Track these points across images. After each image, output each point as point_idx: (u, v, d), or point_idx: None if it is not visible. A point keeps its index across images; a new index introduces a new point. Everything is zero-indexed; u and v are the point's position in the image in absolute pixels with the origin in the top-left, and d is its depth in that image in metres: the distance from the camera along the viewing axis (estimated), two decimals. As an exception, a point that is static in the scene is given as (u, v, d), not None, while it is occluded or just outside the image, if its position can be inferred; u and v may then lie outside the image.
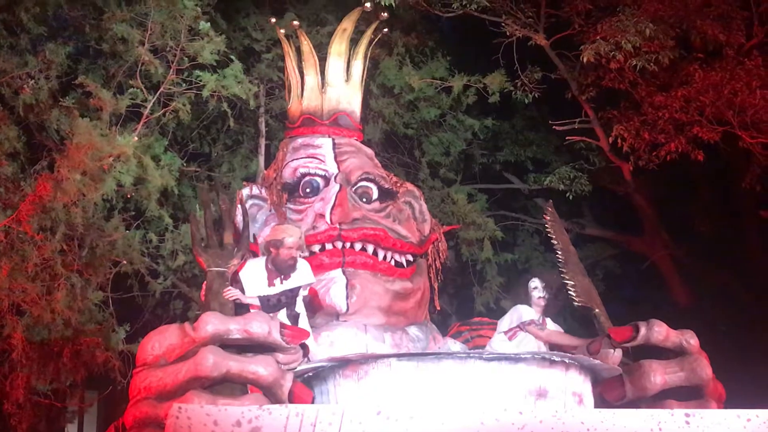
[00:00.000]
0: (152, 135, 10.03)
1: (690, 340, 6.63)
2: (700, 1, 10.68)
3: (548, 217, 8.56)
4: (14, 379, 8.80)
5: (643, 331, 6.59)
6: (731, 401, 6.61)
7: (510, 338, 7.47)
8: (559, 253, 8.16)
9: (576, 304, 7.83)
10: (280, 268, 6.78)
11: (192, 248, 7.53)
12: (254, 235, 8.04)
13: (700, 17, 10.66)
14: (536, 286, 7.65)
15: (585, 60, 10.94)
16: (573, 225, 14.92)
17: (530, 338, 7.46)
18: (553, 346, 7.33)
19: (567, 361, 6.10)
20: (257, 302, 6.67)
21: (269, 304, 6.67)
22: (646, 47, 10.56)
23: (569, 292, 7.88)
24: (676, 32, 10.75)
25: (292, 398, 5.71)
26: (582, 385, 6.24)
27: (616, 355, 6.78)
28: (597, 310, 7.66)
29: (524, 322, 7.45)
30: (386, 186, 8.63)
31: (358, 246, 8.01)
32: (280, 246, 6.73)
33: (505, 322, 7.60)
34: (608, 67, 11.02)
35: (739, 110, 10.52)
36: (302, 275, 6.91)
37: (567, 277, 7.82)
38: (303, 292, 7.05)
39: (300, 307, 6.95)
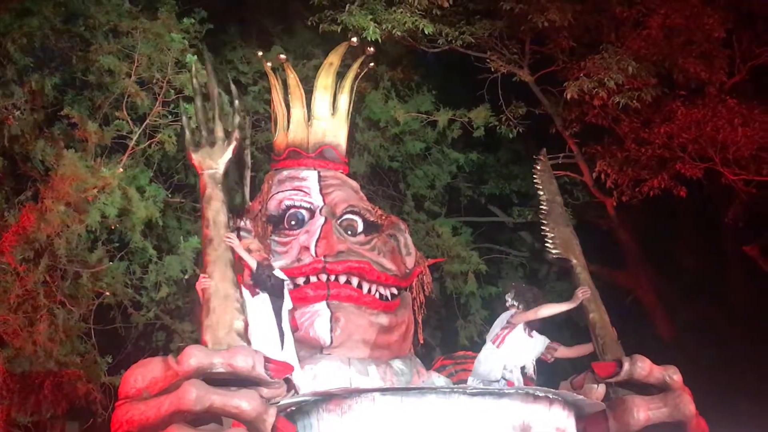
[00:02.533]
0: (137, 166, 10.01)
1: (673, 375, 6.65)
2: (683, 39, 10.79)
3: (539, 166, 8.63)
4: (-5, 412, 8.72)
5: (626, 366, 6.60)
6: (714, 438, 6.63)
7: (498, 345, 7.47)
8: (544, 203, 8.28)
9: (552, 256, 7.92)
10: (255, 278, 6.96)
11: (186, 150, 7.61)
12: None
13: (682, 55, 10.77)
14: (507, 297, 7.71)
15: (569, 96, 11.02)
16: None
17: (517, 341, 7.46)
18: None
19: (551, 397, 6.10)
20: (253, 263, 6.89)
21: (260, 275, 6.88)
22: (629, 84, 10.66)
23: (546, 244, 7.95)
24: (659, 70, 10.86)
25: (275, 433, 5.70)
26: (566, 420, 6.24)
27: (600, 390, 6.79)
28: (574, 261, 7.76)
29: (508, 321, 7.48)
30: (371, 219, 8.65)
31: (342, 279, 8.02)
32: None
33: (492, 333, 7.63)
34: (592, 104, 11.11)
35: (722, 147, 10.61)
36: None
37: (547, 229, 8.07)
38: (287, 306, 7.08)
39: (288, 338, 6.95)
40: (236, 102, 7.99)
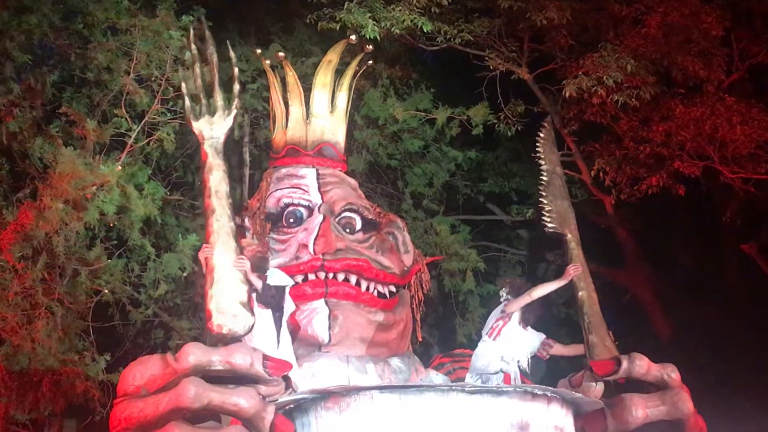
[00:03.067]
0: (136, 164, 10.00)
1: (671, 374, 6.65)
2: (681, 37, 10.79)
3: (542, 134, 8.63)
4: (-7, 409, 8.72)
5: (624, 364, 6.61)
6: (712, 435, 6.64)
7: (494, 338, 7.48)
8: (544, 174, 8.30)
9: (547, 229, 7.92)
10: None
11: (186, 119, 7.83)
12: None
13: (681, 53, 10.77)
14: (502, 293, 7.72)
15: (567, 94, 11.03)
16: (555, 256, 14.97)
17: (512, 333, 7.48)
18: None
19: (549, 395, 6.11)
20: (259, 285, 6.89)
21: (266, 295, 6.91)
22: (627, 82, 10.66)
23: (543, 217, 7.95)
24: (658, 68, 10.86)
25: (274, 430, 5.71)
26: (564, 418, 6.25)
27: (598, 388, 6.80)
28: (569, 236, 7.77)
29: (502, 311, 7.50)
30: (370, 217, 8.66)
31: (341, 276, 8.02)
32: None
33: (487, 326, 7.65)
34: (590, 102, 11.11)
35: (720, 145, 10.62)
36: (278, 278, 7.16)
37: (545, 201, 8.04)
38: (289, 309, 7.09)
39: (285, 336, 6.95)
40: (236, 69, 8.21)
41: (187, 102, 7.73)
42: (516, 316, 7.57)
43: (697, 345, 13.24)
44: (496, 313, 7.66)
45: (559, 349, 7.79)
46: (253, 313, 6.71)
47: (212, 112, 7.65)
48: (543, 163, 8.41)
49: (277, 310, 6.97)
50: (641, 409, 6.49)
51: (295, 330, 7.44)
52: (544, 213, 8.09)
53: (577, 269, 7.63)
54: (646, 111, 11.31)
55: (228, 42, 8.84)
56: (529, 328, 7.67)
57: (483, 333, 7.70)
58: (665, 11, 10.71)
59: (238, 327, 6.62)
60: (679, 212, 13.86)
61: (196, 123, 7.57)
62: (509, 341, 7.48)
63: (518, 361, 7.55)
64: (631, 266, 14.22)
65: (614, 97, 10.77)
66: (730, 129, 10.45)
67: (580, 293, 7.62)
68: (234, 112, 7.66)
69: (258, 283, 6.91)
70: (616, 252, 14.42)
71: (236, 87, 7.97)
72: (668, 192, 11.27)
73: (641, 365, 6.60)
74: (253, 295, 6.85)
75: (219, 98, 7.73)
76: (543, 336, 7.76)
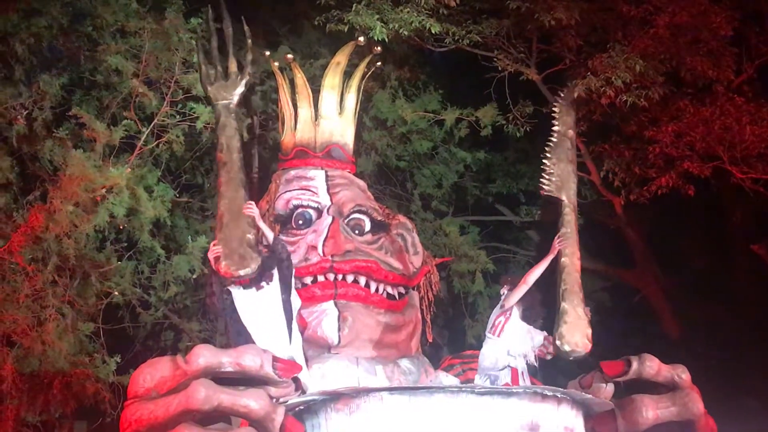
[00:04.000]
0: (145, 166, 10.04)
1: (682, 375, 6.63)
2: (690, 37, 10.76)
3: (563, 95, 8.63)
4: (3, 411, 8.74)
5: (635, 365, 6.59)
6: (722, 437, 6.63)
7: (498, 335, 7.47)
8: (554, 135, 8.36)
9: (543, 192, 7.94)
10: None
11: (201, 84, 8.47)
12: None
13: (689, 53, 10.74)
14: (503, 291, 7.73)
15: (576, 95, 11.00)
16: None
17: (515, 329, 7.46)
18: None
19: (559, 396, 6.10)
20: (270, 234, 7.20)
21: (276, 247, 7.12)
22: (636, 83, 10.62)
23: (542, 178, 7.94)
24: (666, 68, 10.82)
25: (284, 432, 5.70)
26: (574, 419, 6.24)
27: (608, 389, 6.78)
28: (565, 200, 7.75)
29: (501, 306, 7.50)
30: (378, 218, 8.65)
31: (350, 278, 8.02)
32: None
33: (489, 325, 7.63)
34: (599, 102, 11.08)
35: (730, 145, 10.58)
36: None
37: (548, 164, 8.07)
38: (296, 305, 7.12)
39: (296, 333, 6.97)
40: (249, 40, 8.71)
41: (203, 68, 8.27)
42: (516, 313, 7.56)
43: (706, 346, 13.22)
44: (496, 311, 7.65)
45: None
46: (260, 255, 7.05)
47: (226, 77, 8.20)
48: (556, 124, 8.45)
49: (287, 281, 7.02)
50: (652, 410, 6.47)
51: (304, 331, 7.45)
52: (544, 175, 8.09)
53: (562, 243, 7.66)
54: (655, 111, 11.28)
55: (243, 19, 9.11)
56: (530, 327, 7.66)
57: (486, 333, 7.68)
58: (674, 11, 10.67)
59: (245, 269, 6.95)
60: (688, 213, 13.83)
61: (210, 87, 8.13)
62: (514, 336, 7.46)
63: (525, 356, 7.52)
64: (640, 267, 14.19)
65: (623, 98, 10.73)
66: (740, 129, 10.41)
67: (563, 259, 7.68)
68: (246, 77, 8.24)
69: (269, 234, 7.17)
70: (626, 253, 14.41)
71: (249, 56, 8.51)
72: (678, 193, 11.23)
73: (651, 366, 6.58)
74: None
75: (233, 65, 8.27)
76: (545, 333, 7.73)
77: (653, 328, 14.26)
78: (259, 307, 6.84)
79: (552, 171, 8.02)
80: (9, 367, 8.47)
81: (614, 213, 13.46)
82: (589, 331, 7.42)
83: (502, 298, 7.67)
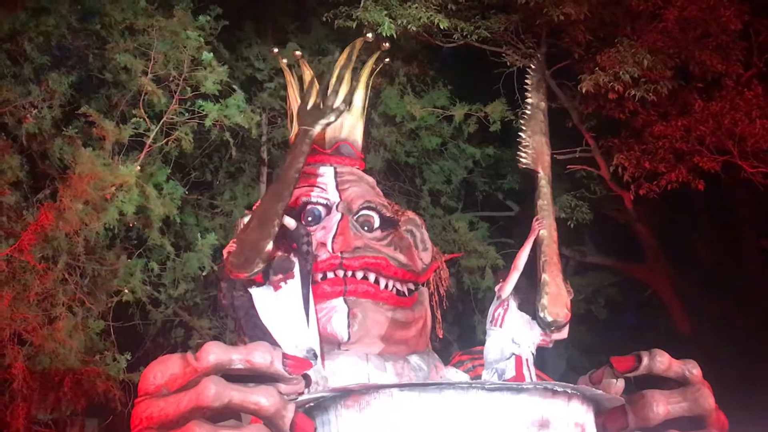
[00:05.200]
0: (154, 164, 10.06)
1: (692, 370, 6.61)
2: (699, 31, 10.73)
3: (534, 67, 8.64)
4: (15, 409, 8.77)
5: (645, 360, 6.57)
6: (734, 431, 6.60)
7: (500, 325, 7.45)
8: (528, 108, 8.36)
9: (520, 165, 7.96)
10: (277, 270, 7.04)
11: (296, 102, 8.62)
12: None
13: (698, 48, 10.71)
14: (497, 285, 7.73)
15: (585, 90, 10.99)
16: (574, 253, 14.94)
17: (515, 319, 7.44)
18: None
19: (569, 392, 6.08)
20: (292, 223, 7.24)
21: (299, 233, 7.20)
22: (645, 77, 10.61)
23: (519, 151, 7.96)
24: (675, 62, 10.80)
25: (294, 429, 5.70)
26: (584, 415, 6.22)
27: (619, 385, 6.76)
28: (541, 173, 7.78)
29: (497, 298, 7.50)
30: (388, 214, 8.63)
31: (359, 275, 8.00)
32: None
33: (488, 319, 7.62)
34: (608, 97, 11.06)
35: (739, 140, 10.55)
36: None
37: (523, 136, 8.08)
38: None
39: (313, 316, 7.01)
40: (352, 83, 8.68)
41: (310, 95, 8.36)
42: (514, 304, 7.55)
43: (717, 340, 13.20)
44: (494, 304, 7.63)
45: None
46: (264, 262, 6.93)
47: (319, 108, 8.22)
48: (529, 96, 8.46)
49: (307, 271, 7.06)
50: (662, 405, 6.45)
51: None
52: (520, 148, 8.12)
53: (541, 223, 7.72)
54: (665, 106, 11.26)
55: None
56: (529, 317, 7.65)
57: (488, 327, 7.66)
58: (683, 5, 10.64)
59: (244, 271, 6.86)
60: (698, 208, 13.82)
61: (303, 112, 8.19)
62: (515, 324, 7.44)
63: (529, 344, 7.50)
64: (650, 262, 14.18)
65: (632, 92, 10.72)
66: (750, 123, 10.39)
67: (541, 231, 7.73)
68: (339, 113, 8.28)
69: (292, 223, 7.18)
70: (635, 248, 14.40)
71: (348, 97, 8.50)
72: (687, 187, 11.21)
73: (662, 361, 6.56)
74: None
75: (332, 100, 8.23)
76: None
77: (663, 323, 14.26)
78: (278, 305, 6.87)
79: (528, 144, 8.09)
80: (20, 366, 8.50)
81: (624, 208, 13.44)
82: (569, 301, 7.46)
83: (497, 289, 7.67)
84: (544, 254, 7.63)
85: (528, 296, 7.68)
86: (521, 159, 8.07)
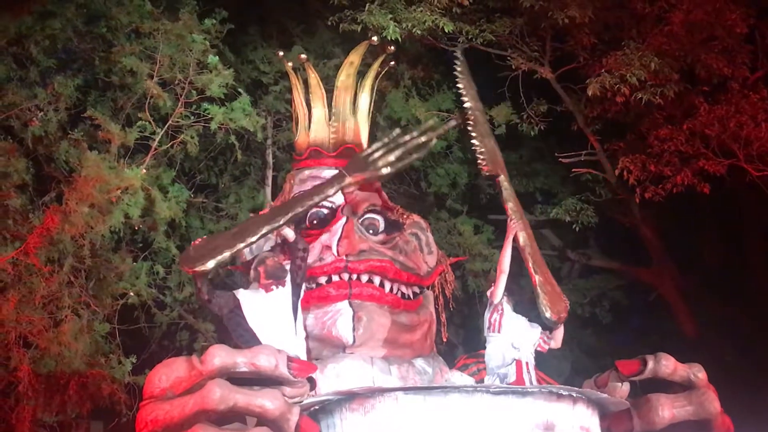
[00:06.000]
0: (160, 167, 10.09)
1: (698, 373, 6.60)
2: (705, 35, 10.73)
3: (459, 66, 8.54)
4: (20, 411, 8.79)
5: (650, 364, 6.56)
6: (739, 435, 6.60)
7: (499, 330, 7.44)
8: (469, 112, 8.29)
9: (484, 173, 7.94)
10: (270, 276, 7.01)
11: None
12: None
13: (704, 51, 10.71)
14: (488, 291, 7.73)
15: (590, 93, 10.98)
16: (580, 256, 14.92)
17: (513, 322, 7.43)
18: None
19: (575, 395, 6.08)
20: (291, 234, 7.19)
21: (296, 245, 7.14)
22: (651, 80, 10.61)
23: (479, 160, 8.01)
24: (681, 65, 10.80)
25: (299, 432, 5.71)
26: (590, 419, 6.22)
27: (624, 388, 6.75)
28: (502, 176, 7.76)
29: (489, 303, 7.49)
30: (393, 218, 8.64)
31: (364, 278, 8.00)
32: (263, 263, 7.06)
33: (485, 327, 7.60)
34: (614, 100, 11.06)
35: (745, 143, 10.54)
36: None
37: (477, 143, 8.01)
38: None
39: (301, 339, 6.99)
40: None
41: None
42: (508, 307, 7.54)
43: (722, 344, 13.17)
44: (488, 311, 7.61)
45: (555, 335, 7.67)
46: (214, 262, 6.70)
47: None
48: (466, 99, 8.33)
49: (300, 279, 7.05)
50: (668, 409, 6.44)
51: (321, 331, 7.48)
52: (478, 155, 8.09)
53: (517, 224, 7.65)
54: (670, 109, 11.25)
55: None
56: (525, 319, 7.64)
57: (486, 334, 7.64)
58: (688, 8, 10.65)
59: (191, 265, 6.61)
60: (704, 211, 13.79)
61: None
62: (513, 328, 7.43)
63: (529, 347, 7.48)
64: (656, 265, 14.16)
65: (637, 96, 10.72)
66: (755, 127, 10.38)
67: (519, 234, 7.71)
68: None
69: (290, 235, 7.14)
70: (641, 251, 14.37)
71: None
72: (693, 190, 11.20)
73: (667, 365, 6.55)
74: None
75: None
76: (538, 326, 7.68)
77: (669, 326, 14.22)
78: (266, 309, 6.86)
79: (483, 149, 8.02)
80: (25, 368, 8.52)
81: (629, 211, 13.43)
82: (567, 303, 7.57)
83: (489, 294, 7.66)
84: (531, 256, 7.60)
85: (521, 297, 7.68)
86: (483, 168, 8.01)
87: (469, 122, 8.27)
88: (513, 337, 7.37)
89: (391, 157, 7.16)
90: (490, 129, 8.29)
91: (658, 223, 13.88)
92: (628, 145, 11.95)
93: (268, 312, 6.85)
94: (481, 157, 8.03)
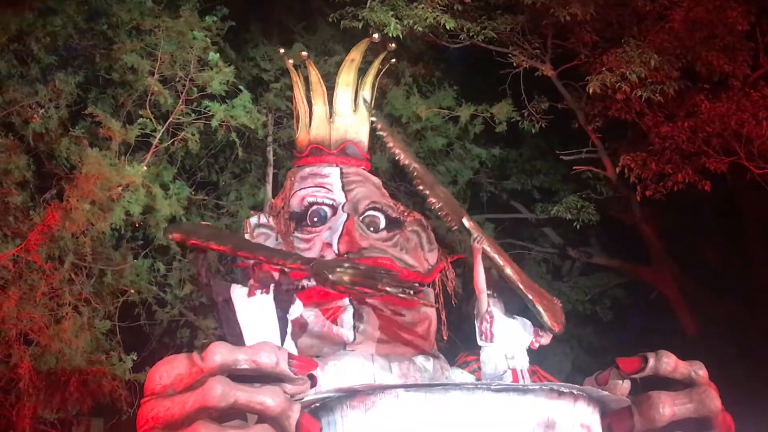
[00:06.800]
0: (161, 164, 10.08)
1: (699, 371, 6.60)
2: (706, 32, 10.73)
3: (379, 127, 8.43)
4: (21, 408, 8.80)
5: (651, 362, 6.56)
6: (740, 433, 6.60)
7: (491, 340, 7.43)
8: (410, 168, 8.08)
9: (454, 227, 7.90)
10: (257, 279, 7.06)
11: None
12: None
13: (705, 48, 10.71)
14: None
15: (591, 91, 10.98)
16: (580, 254, 14.93)
17: (504, 327, 7.42)
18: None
19: (575, 393, 6.07)
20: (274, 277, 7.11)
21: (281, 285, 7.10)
22: (651, 78, 10.61)
23: (447, 219, 7.88)
24: (682, 63, 10.80)
25: (300, 429, 5.70)
26: (590, 416, 6.21)
27: (625, 386, 6.75)
28: (466, 222, 7.70)
29: (476, 315, 7.49)
30: (393, 215, 8.64)
31: (365, 275, 8.00)
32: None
33: (478, 336, 7.59)
34: (615, 98, 11.06)
35: (746, 141, 10.54)
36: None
37: (435, 200, 7.88)
38: (296, 311, 7.13)
39: (289, 338, 7.00)
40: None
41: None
42: (499, 313, 7.53)
43: (723, 342, 13.16)
44: (476, 321, 7.61)
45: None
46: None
47: None
48: (398, 153, 8.14)
49: (285, 304, 7.06)
50: (668, 406, 6.44)
51: (301, 330, 7.47)
52: (440, 213, 7.96)
53: (481, 241, 7.61)
54: (671, 107, 11.25)
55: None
56: (515, 316, 7.63)
57: (479, 342, 7.64)
58: (689, 6, 10.65)
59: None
60: (704, 209, 13.79)
61: None
62: (506, 335, 7.43)
63: (522, 353, 7.47)
64: (656, 263, 14.16)
65: (638, 93, 10.72)
66: (756, 125, 10.38)
67: (506, 270, 7.60)
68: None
69: (273, 276, 7.10)
70: (642, 249, 14.38)
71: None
72: (694, 188, 11.20)
73: (668, 363, 6.55)
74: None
75: None
76: (528, 321, 7.67)
77: (670, 324, 14.22)
78: (248, 310, 6.89)
79: (440, 204, 7.91)
80: (26, 365, 8.51)
81: (630, 209, 13.43)
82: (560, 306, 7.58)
83: (471, 309, 7.67)
84: (517, 280, 7.56)
85: (511, 297, 7.68)
86: (453, 223, 7.89)
87: (417, 179, 8.15)
88: (506, 347, 7.36)
89: (347, 280, 6.82)
90: (432, 176, 8.16)
91: (659, 220, 13.88)
92: (629, 142, 11.96)
93: (254, 315, 6.88)
94: (443, 212, 7.92)
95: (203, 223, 7.47)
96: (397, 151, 8.11)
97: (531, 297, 7.47)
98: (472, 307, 7.64)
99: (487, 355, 7.44)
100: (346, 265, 6.92)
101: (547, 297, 7.60)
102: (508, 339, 7.40)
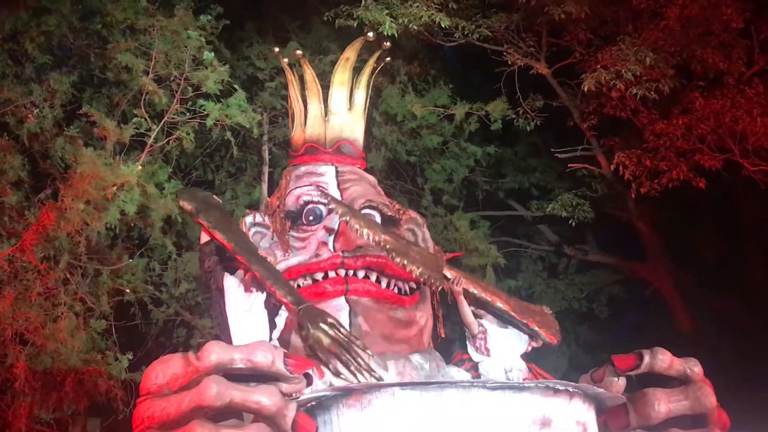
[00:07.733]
0: (156, 163, 10.07)
1: (694, 368, 6.59)
2: (701, 29, 10.74)
3: (334, 204, 7.68)
4: (17, 409, 8.77)
5: (646, 359, 6.56)
6: (736, 430, 6.58)
7: (488, 354, 7.42)
8: (387, 245, 7.25)
9: (437, 286, 7.34)
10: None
11: None
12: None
13: (700, 46, 10.73)
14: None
15: (586, 88, 11.00)
16: (576, 251, 14.95)
17: (499, 339, 7.41)
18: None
19: (571, 390, 6.07)
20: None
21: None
22: (646, 75, 10.62)
23: (425, 280, 7.27)
24: (677, 60, 10.82)
25: (296, 428, 5.69)
26: (586, 413, 6.21)
27: (620, 383, 6.75)
28: (450, 276, 7.41)
29: (467, 338, 7.48)
30: (389, 213, 8.62)
31: (361, 273, 7.98)
32: None
33: (474, 351, 7.57)
34: (609, 95, 11.07)
35: (741, 138, 10.57)
36: None
37: (413, 269, 7.14)
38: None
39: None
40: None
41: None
42: (490, 325, 7.51)
43: (718, 339, 13.20)
44: (468, 341, 7.59)
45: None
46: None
47: None
48: (372, 234, 7.20)
49: (270, 310, 7.05)
50: (664, 403, 6.44)
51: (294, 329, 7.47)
52: (422, 277, 7.28)
53: (460, 283, 7.39)
54: (666, 104, 11.27)
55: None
56: (509, 326, 7.61)
57: (475, 358, 7.63)
58: (684, 3, 10.66)
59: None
60: (700, 206, 13.81)
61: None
62: (501, 348, 7.42)
63: (519, 363, 7.47)
64: (652, 260, 14.18)
65: (633, 91, 10.73)
66: (751, 121, 10.40)
67: (497, 303, 7.46)
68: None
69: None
70: (637, 246, 14.40)
71: None
72: (689, 185, 11.22)
73: (663, 359, 6.55)
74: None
75: None
76: (526, 335, 7.64)
77: (665, 321, 14.25)
78: (243, 302, 6.89)
79: (420, 268, 7.21)
80: (22, 365, 8.50)
81: (625, 206, 13.45)
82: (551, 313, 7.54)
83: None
84: (506, 309, 7.45)
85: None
86: (435, 282, 7.52)
87: (390, 255, 7.62)
88: (504, 361, 7.35)
89: (325, 344, 6.58)
90: (403, 241, 7.70)
91: (654, 218, 13.90)
92: (624, 140, 11.98)
93: (243, 308, 6.87)
94: (424, 277, 7.23)
95: (216, 199, 7.41)
96: (365, 231, 7.62)
97: (525, 321, 7.43)
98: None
99: (485, 369, 7.43)
100: (331, 323, 6.71)
101: (539, 312, 7.53)
102: (505, 351, 7.41)
